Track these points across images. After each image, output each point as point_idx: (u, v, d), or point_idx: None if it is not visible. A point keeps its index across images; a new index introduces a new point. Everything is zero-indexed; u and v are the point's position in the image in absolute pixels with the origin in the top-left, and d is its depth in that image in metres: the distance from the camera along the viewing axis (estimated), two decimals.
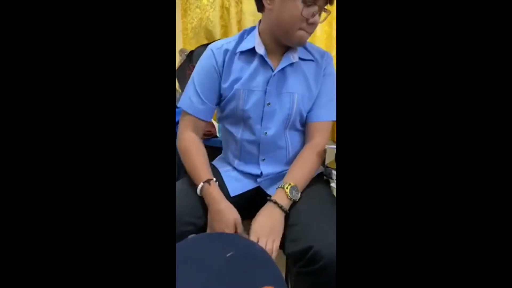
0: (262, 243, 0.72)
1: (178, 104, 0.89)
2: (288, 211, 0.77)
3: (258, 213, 0.77)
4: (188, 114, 0.87)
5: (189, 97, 0.87)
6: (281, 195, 0.78)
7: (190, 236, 0.75)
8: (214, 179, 0.81)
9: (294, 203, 0.78)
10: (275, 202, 0.76)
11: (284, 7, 0.75)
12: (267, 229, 0.74)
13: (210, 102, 0.86)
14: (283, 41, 0.82)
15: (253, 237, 0.73)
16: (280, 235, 0.75)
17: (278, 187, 0.80)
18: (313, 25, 0.78)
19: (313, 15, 0.75)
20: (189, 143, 0.86)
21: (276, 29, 0.80)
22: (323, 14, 0.79)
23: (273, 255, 0.73)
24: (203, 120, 0.88)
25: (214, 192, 0.78)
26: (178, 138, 0.88)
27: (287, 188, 0.78)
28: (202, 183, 0.79)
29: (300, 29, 0.77)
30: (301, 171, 0.83)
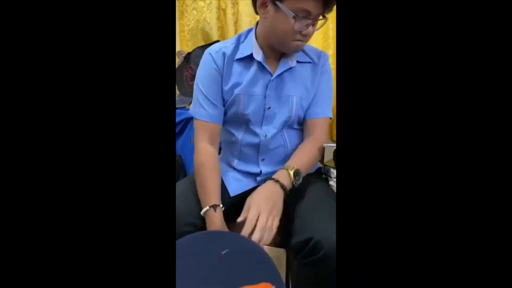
0: (262, 219, 0.68)
1: (192, 114, 0.88)
2: (288, 192, 0.75)
3: (257, 189, 0.74)
4: (203, 122, 0.85)
5: (200, 105, 0.85)
6: (284, 175, 0.76)
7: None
8: (221, 205, 0.79)
9: (293, 197, 0.79)
10: (277, 181, 0.74)
11: (277, 19, 0.75)
12: (268, 205, 0.70)
13: (220, 104, 0.86)
14: (279, 49, 0.82)
15: (253, 211, 0.69)
16: (280, 214, 0.72)
17: (281, 169, 0.78)
18: (307, 36, 0.77)
19: (305, 28, 0.74)
20: (205, 159, 0.84)
21: (271, 38, 0.80)
22: (320, 22, 0.78)
23: (273, 232, 0.69)
24: (219, 124, 0.87)
25: (217, 220, 0.77)
26: (195, 150, 0.86)
27: (291, 170, 0.77)
28: (207, 207, 0.78)
29: (294, 40, 0.77)
30: (302, 158, 0.83)
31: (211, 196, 0.79)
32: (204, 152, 0.84)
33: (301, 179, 0.79)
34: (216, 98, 0.85)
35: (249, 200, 0.72)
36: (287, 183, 0.75)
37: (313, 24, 0.76)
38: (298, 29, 0.74)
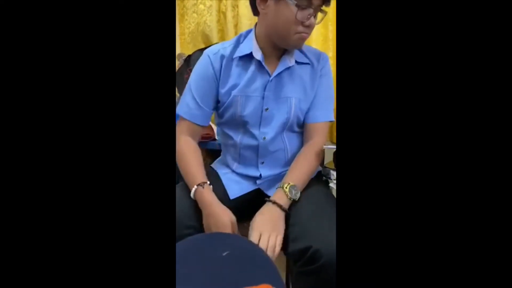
0: (264, 238, 0.70)
1: (177, 110, 0.89)
2: (288, 211, 0.78)
3: (257, 213, 0.76)
4: (184, 119, 0.87)
5: (186, 103, 0.87)
6: (280, 195, 0.78)
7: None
8: (208, 182, 0.80)
9: (294, 203, 0.79)
10: (274, 202, 0.76)
11: (278, 12, 0.75)
12: (269, 226, 0.73)
13: (207, 107, 0.87)
14: (280, 45, 0.82)
15: (255, 233, 0.71)
16: (282, 232, 0.74)
17: (278, 187, 0.81)
18: (310, 27, 0.77)
19: (308, 18, 0.75)
20: (185, 147, 0.86)
21: (272, 33, 0.80)
22: (319, 15, 0.78)
23: (276, 250, 0.71)
24: (199, 125, 0.88)
25: (207, 196, 0.77)
26: (176, 142, 0.87)
27: (286, 187, 0.78)
28: (195, 186, 0.78)
29: (297, 33, 0.77)
30: (300, 171, 0.83)
31: (195, 177, 0.80)
32: (183, 142, 0.86)
33: (299, 193, 0.79)
34: (203, 100, 0.86)
35: (252, 224, 0.74)
36: (284, 202, 0.77)
37: (314, 16, 0.76)
38: (301, 19, 0.74)
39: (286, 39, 0.79)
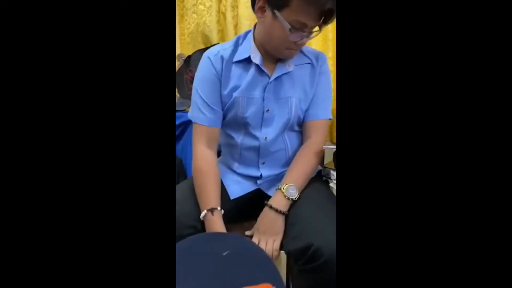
0: (263, 244, 0.76)
1: (191, 119, 0.88)
2: (286, 212, 0.78)
3: (258, 219, 0.80)
4: (201, 126, 0.86)
5: (199, 109, 0.85)
6: (278, 198, 0.79)
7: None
8: (219, 207, 0.80)
9: (294, 203, 0.80)
10: (271, 207, 0.78)
11: (273, 27, 0.75)
12: (267, 232, 0.77)
13: (219, 108, 0.86)
14: (272, 53, 0.83)
15: (254, 239, 0.78)
16: (281, 235, 0.77)
17: (277, 188, 0.81)
18: (301, 45, 0.79)
19: (300, 38, 0.76)
20: (203, 164, 0.85)
21: (266, 43, 0.82)
22: (314, 33, 0.78)
23: (274, 254, 0.76)
24: (217, 128, 0.88)
25: (216, 225, 0.77)
26: (193, 154, 0.87)
27: (284, 189, 0.79)
28: (205, 211, 0.78)
29: (288, 48, 0.78)
30: (299, 171, 0.84)
31: (208, 200, 0.80)
32: (201, 157, 0.85)
33: (297, 193, 0.80)
34: (215, 102, 0.85)
35: (253, 229, 0.81)
36: (282, 205, 0.79)
37: (308, 35, 0.77)
38: (293, 40, 0.75)
39: (277, 52, 0.82)
